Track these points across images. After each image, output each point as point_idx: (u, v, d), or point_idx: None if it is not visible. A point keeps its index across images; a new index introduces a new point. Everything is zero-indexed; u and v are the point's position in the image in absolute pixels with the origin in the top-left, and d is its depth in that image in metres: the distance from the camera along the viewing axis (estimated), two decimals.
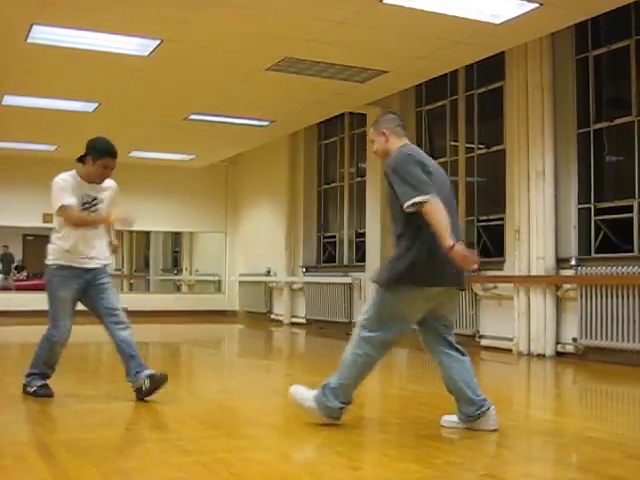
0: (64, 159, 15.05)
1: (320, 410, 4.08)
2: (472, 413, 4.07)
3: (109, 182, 5.24)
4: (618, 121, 7.90)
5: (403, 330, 4.13)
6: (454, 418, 4.18)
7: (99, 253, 5.14)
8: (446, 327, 4.21)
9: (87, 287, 5.08)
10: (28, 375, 5.13)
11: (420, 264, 3.92)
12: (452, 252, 3.70)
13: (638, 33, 7.64)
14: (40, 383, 5.05)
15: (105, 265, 5.20)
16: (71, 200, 4.96)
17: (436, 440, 3.95)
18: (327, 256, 13.11)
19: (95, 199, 5.12)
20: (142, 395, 4.87)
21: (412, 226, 3.92)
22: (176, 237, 18.26)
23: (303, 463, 3.43)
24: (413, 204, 3.80)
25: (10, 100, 9.92)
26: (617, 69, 8.14)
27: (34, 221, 14.36)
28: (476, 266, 3.87)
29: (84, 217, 5.05)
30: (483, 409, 4.06)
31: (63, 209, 4.95)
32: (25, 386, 5.10)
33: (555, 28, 7.42)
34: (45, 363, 5.12)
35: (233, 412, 4.94)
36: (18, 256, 20.13)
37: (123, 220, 5.15)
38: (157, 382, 4.88)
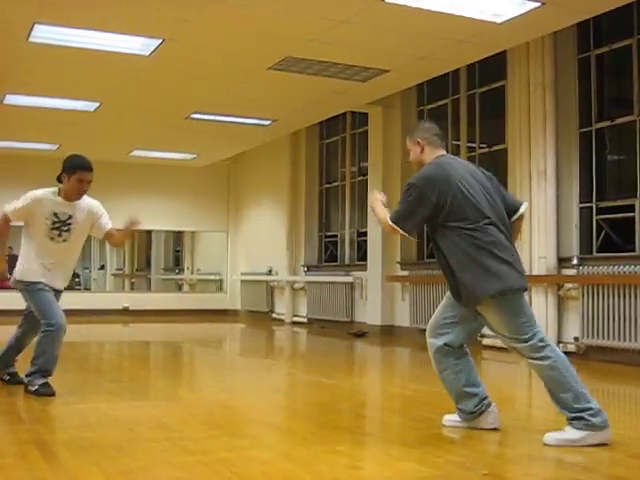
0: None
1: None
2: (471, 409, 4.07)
3: (90, 202, 5.33)
4: (620, 120, 7.90)
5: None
6: (455, 417, 4.18)
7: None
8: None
9: None
10: (29, 374, 5.13)
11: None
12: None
13: None
14: (41, 382, 5.05)
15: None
16: (15, 210, 5.21)
17: (438, 439, 3.95)
18: (329, 255, 13.11)
19: (70, 217, 5.21)
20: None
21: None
22: (178, 236, 18.26)
23: (304, 462, 3.43)
24: (393, 226, 3.92)
25: (12, 99, 9.93)
26: (619, 68, 8.13)
27: None
28: None
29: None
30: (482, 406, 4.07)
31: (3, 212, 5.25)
32: (26, 385, 5.10)
33: (557, 27, 7.41)
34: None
35: (235, 411, 4.94)
36: None
37: (130, 223, 5.24)
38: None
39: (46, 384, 5.06)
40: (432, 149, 4.11)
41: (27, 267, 5.22)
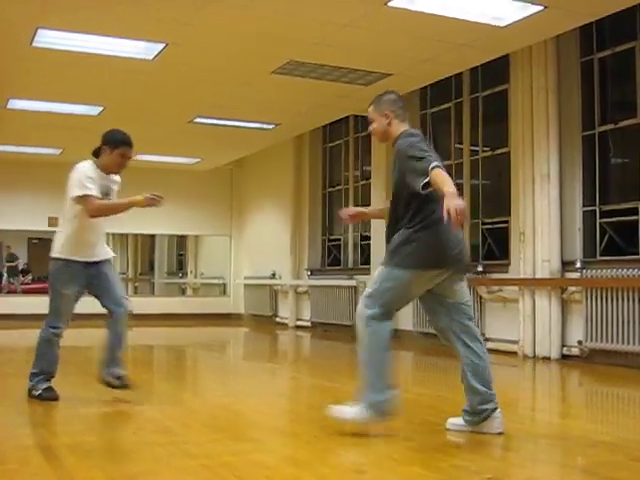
0: (69, 163, 15.05)
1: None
2: (476, 407, 4.04)
3: (116, 176, 5.25)
4: (623, 123, 7.89)
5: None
6: (459, 421, 4.16)
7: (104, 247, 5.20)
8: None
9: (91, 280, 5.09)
10: (33, 377, 5.12)
11: (427, 246, 3.91)
12: (450, 197, 3.54)
13: None
14: (45, 386, 5.04)
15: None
16: (94, 189, 4.90)
17: (442, 443, 3.95)
18: (332, 259, 13.11)
19: (109, 189, 5.13)
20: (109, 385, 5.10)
21: (420, 209, 3.91)
22: (181, 240, 18.28)
23: (308, 466, 3.42)
24: (432, 168, 3.70)
25: (15, 104, 9.95)
26: (622, 71, 8.12)
27: (39, 225, 14.39)
28: (461, 224, 3.67)
29: (108, 204, 5.01)
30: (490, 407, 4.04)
31: (85, 198, 4.87)
32: (30, 389, 5.10)
33: (560, 31, 7.42)
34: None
35: (238, 415, 4.94)
36: (23, 260, 20.16)
37: (152, 200, 4.99)
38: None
39: (50, 388, 5.05)
40: (399, 122, 4.16)
41: (69, 244, 5.01)
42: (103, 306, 5.16)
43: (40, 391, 5.01)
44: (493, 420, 4.04)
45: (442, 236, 3.93)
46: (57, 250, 5.02)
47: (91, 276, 5.07)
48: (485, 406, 4.03)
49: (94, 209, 4.89)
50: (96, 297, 5.16)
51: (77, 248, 5.00)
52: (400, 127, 4.15)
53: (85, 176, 4.92)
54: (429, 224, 3.93)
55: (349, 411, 4.00)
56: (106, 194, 5.08)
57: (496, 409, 4.06)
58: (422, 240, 3.94)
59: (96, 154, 5.14)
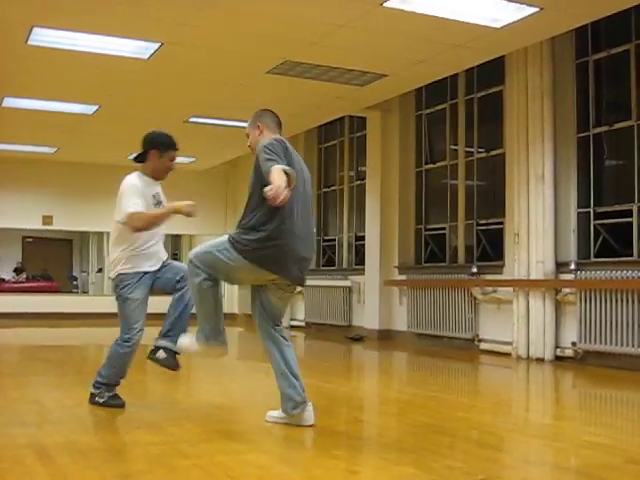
0: (64, 161, 15.05)
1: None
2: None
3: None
4: (618, 125, 7.91)
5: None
6: (277, 413, 4.31)
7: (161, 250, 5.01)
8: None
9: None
10: (99, 385, 4.84)
11: (265, 244, 4.07)
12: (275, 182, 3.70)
13: (638, 38, 7.64)
14: (111, 393, 4.80)
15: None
16: (138, 205, 4.67)
17: (435, 444, 3.95)
18: (326, 259, 13.11)
19: (159, 195, 4.95)
20: (150, 355, 4.76)
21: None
22: (176, 240, 18.25)
23: (301, 467, 3.43)
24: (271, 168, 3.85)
25: (10, 102, 9.93)
26: (617, 73, 8.14)
27: (34, 223, 14.36)
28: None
29: (153, 215, 4.75)
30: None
31: (131, 215, 4.65)
32: (93, 396, 4.82)
33: (555, 32, 7.43)
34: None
35: (232, 415, 4.94)
36: (18, 258, 20.13)
37: (189, 208, 4.79)
38: (168, 361, 4.73)
39: (115, 396, 4.80)
40: (270, 133, 4.36)
41: (131, 260, 4.78)
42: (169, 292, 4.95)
43: (105, 398, 4.76)
44: (305, 413, 4.21)
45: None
46: (122, 267, 4.79)
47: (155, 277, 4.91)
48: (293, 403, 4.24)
49: (136, 227, 4.67)
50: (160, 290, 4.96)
51: (143, 261, 4.82)
52: (271, 136, 4.26)
53: (130, 193, 4.70)
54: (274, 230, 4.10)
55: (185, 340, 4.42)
56: (158, 203, 4.90)
57: (308, 403, 4.23)
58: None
59: (140, 160, 4.91)
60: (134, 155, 4.96)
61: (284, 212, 4.04)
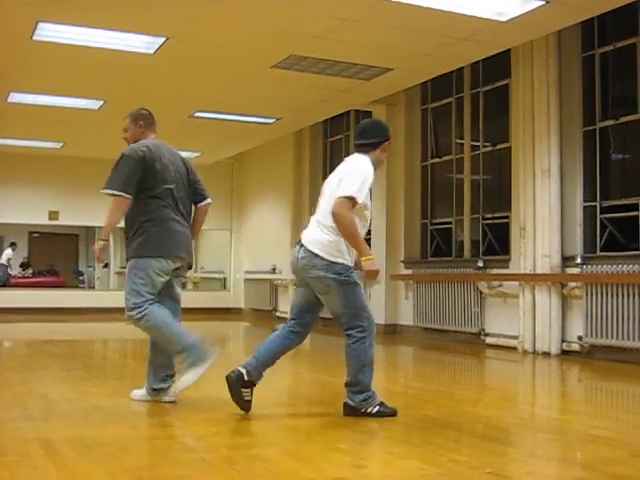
0: (70, 156, 15.08)
1: None
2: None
3: None
4: (624, 119, 7.88)
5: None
6: (142, 392, 4.77)
7: None
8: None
9: None
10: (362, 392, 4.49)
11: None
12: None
13: None
14: (380, 401, 4.47)
15: None
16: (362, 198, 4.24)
17: (441, 438, 3.95)
18: None
19: None
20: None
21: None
22: None
23: (308, 460, 3.43)
24: (109, 194, 4.60)
25: (16, 97, 9.94)
26: (623, 67, 8.11)
27: (40, 218, 14.40)
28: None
29: (357, 234, 4.33)
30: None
31: (349, 202, 4.22)
32: (360, 407, 4.44)
33: (561, 26, 7.41)
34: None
35: (237, 409, 4.94)
36: (24, 253, 20.16)
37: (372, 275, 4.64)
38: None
39: (383, 403, 4.48)
40: (150, 132, 4.96)
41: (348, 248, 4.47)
42: None
43: (377, 407, 4.45)
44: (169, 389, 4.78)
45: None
46: (338, 256, 4.57)
47: None
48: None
49: (341, 218, 4.28)
50: None
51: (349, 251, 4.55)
52: (149, 135, 4.94)
53: (365, 179, 4.28)
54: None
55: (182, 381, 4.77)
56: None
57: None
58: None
59: (369, 148, 4.48)
60: (363, 141, 4.50)
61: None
